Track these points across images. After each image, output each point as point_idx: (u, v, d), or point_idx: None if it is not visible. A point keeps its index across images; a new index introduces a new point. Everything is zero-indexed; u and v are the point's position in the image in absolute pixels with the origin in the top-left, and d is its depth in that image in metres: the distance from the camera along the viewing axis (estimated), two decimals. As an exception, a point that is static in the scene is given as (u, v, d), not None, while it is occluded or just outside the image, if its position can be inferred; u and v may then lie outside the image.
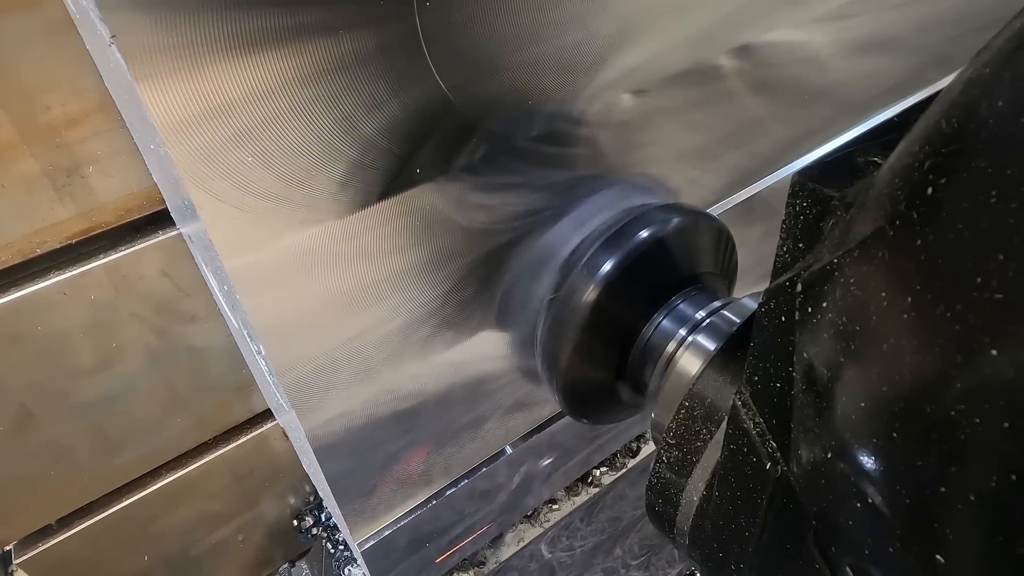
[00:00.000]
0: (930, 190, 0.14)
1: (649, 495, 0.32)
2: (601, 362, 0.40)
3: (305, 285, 0.31)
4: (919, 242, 0.14)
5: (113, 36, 0.22)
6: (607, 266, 0.37)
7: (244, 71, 0.25)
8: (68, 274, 0.30)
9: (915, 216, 0.14)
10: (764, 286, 0.22)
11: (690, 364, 0.36)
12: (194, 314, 0.33)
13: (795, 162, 0.53)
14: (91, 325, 0.31)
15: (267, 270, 0.29)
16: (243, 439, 0.39)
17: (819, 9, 0.45)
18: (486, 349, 0.41)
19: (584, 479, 0.61)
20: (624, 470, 0.62)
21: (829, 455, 0.17)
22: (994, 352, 0.12)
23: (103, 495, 0.36)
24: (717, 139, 0.45)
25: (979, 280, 0.13)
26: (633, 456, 0.63)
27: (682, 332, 0.37)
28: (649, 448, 0.63)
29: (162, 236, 0.31)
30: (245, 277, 0.29)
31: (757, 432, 0.22)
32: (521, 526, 0.59)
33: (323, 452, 0.36)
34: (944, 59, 0.57)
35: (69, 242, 0.30)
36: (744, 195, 0.51)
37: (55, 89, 0.27)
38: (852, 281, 0.16)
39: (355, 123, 0.29)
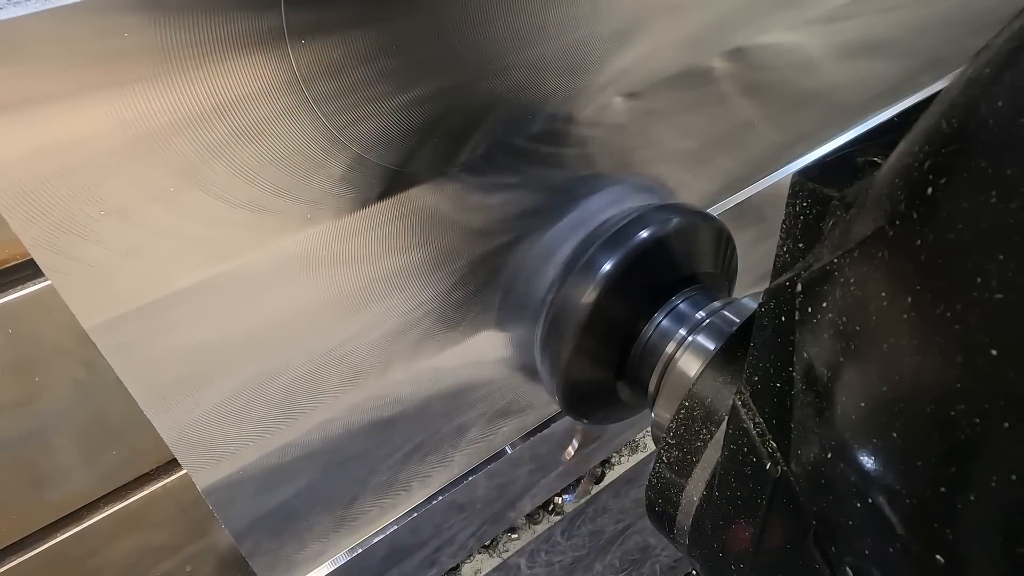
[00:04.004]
0: (930, 190, 0.14)
1: (649, 495, 0.32)
2: (601, 362, 0.40)
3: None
4: (919, 242, 0.14)
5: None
6: (607, 266, 0.37)
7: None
8: (-18, 308, 0.28)
9: (915, 216, 0.14)
10: (760, 288, 0.22)
11: (690, 364, 0.36)
12: (125, 345, 0.31)
13: (787, 166, 0.53)
14: (11, 360, 0.29)
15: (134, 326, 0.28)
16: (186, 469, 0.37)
17: (812, 12, 0.45)
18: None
19: (545, 507, 0.59)
20: (588, 496, 0.60)
21: (829, 455, 0.17)
22: (994, 352, 0.12)
23: (36, 530, 0.34)
24: (709, 143, 0.45)
25: (979, 280, 0.13)
26: (597, 482, 0.61)
27: (682, 332, 0.37)
28: (615, 473, 0.62)
29: (87, 265, 0.29)
30: (106, 335, 0.28)
31: (757, 432, 0.22)
32: (478, 556, 0.57)
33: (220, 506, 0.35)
34: (938, 62, 0.57)
35: (-18, 275, 0.28)
36: (736, 199, 0.51)
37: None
38: (852, 281, 0.16)
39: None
